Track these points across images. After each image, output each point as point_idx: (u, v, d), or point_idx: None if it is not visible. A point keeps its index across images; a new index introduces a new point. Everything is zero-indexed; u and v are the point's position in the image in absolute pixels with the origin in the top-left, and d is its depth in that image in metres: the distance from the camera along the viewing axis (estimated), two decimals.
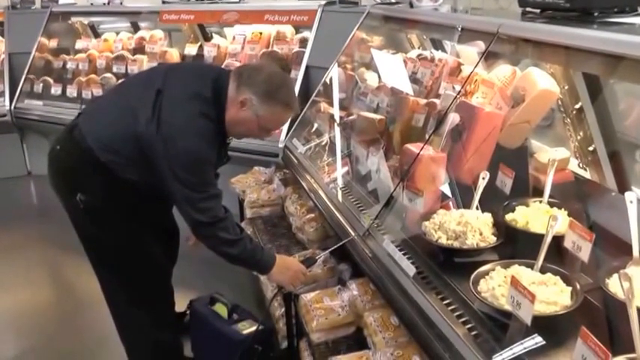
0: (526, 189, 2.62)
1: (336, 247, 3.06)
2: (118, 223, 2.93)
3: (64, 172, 2.93)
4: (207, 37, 6.33)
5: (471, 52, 3.34)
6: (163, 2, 6.12)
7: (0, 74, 6.85)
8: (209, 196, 2.77)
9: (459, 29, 3.13)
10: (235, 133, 2.88)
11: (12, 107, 6.64)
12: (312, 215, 3.69)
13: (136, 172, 2.81)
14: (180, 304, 3.48)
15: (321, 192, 3.53)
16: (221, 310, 3.28)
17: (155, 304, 3.14)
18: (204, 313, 3.33)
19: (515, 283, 1.87)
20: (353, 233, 2.93)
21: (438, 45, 3.98)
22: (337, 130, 3.91)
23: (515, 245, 2.32)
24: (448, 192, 2.68)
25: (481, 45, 2.90)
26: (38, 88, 6.63)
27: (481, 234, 2.38)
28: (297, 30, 5.52)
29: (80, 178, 2.87)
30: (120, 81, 5.33)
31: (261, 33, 5.57)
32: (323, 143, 4.06)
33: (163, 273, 3.20)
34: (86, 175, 2.86)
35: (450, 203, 2.63)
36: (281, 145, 4.50)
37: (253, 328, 3.12)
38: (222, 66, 5.44)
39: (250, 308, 3.43)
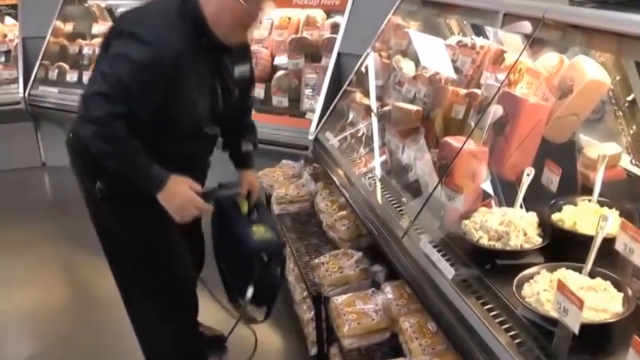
0: (574, 187, 2.61)
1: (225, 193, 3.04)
2: (137, 214, 2.95)
3: (84, 157, 2.93)
4: None
5: (515, 39, 3.32)
6: None
7: (13, 60, 6.96)
8: (106, 94, 2.62)
9: (502, 14, 3.12)
10: (221, 30, 2.76)
11: (26, 94, 6.74)
12: (344, 212, 3.71)
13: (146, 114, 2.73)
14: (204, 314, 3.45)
15: (354, 188, 3.54)
16: (243, 204, 3.23)
17: (177, 311, 3.15)
18: (223, 202, 3.24)
19: (561, 287, 1.86)
20: (388, 234, 2.94)
21: (479, 31, 3.96)
22: (373, 121, 3.91)
23: (562, 247, 2.31)
24: (490, 189, 2.68)
25: (526, 31, 2.89)
26: (53, 74, 6.72)
27: (525, 234, 2.38)
28: (328, 15, 5.52)
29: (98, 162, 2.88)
30: None
31: (289, 18, 5.58)
32: (356, 136, 4.07)
33: (186, 277, 3.18)
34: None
35: (492, 201, 2.63)
36: (311, 138, 4.51)
37: (268, 235, 3.07)
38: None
39: (278, 308, 3.42)
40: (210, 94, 2.89)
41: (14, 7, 7.13)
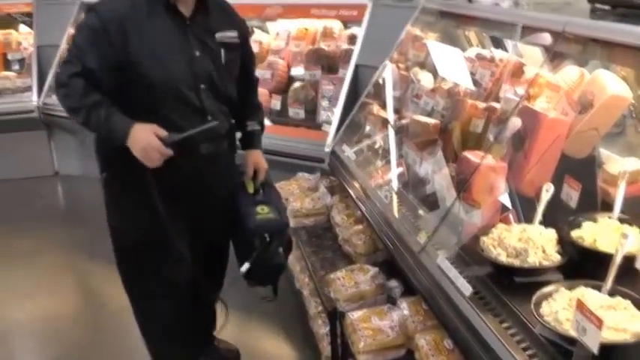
0: (594, 203, 2.59)
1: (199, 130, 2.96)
2: (129, 206, 3.04)
3: (97, 149, 3.09)
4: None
5: (534, 51, 3.32)
6: None
7: (28, 68, 7.02)
8: (66, 60, 2.91)
9: (521, 27, 3.11)
10: None
11: (40, 103, 6.78)
12: (360, 227, 3.70)
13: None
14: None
15: (370, 201, 3.54)
16: (249, 184, 3.25)
17: (162, 314, 3.21)
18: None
19: (580, 306, 1.85)
20: (405, 249, 2.93)
21: (498, 43, 3.95)
22: (390, 134, 3.90)
23: (581, 265, 2.30)
24: (508, 204, 2.67)
25: (545, 44, 2.88)
26: None
27: (544, 251, 2.36)
28: (346, 26, 5.53)
29: (100, 149, 3.06)
30: None
31: (306, 29, 5.60)
32: (373, 148, 4.07)
33: (174, 283, 3.17)
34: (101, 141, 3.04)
35: (511, 217, 2.62)
36: (327, 150, 4.52)
37: (271, 215, 3.10)
38: (265, 64, 5.49)
39: (292, 323, 3.41)
40: (183, 52, 2.93)
41: (29, 15, 7.19)
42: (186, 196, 3.05)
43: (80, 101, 2.85)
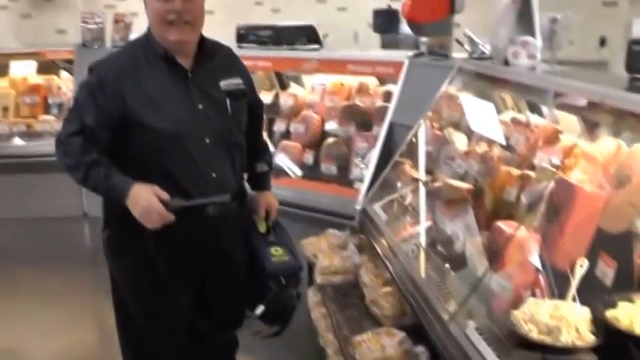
0: (631, 282, 2.52)
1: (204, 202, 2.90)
2: (129, 268, 3.02)
3: (103, 206, 3.09)
4: (284, 85, 6.44)
5: (570, 118, 3.28)
6: (239, 47, 6.25)
7: (65, 112, 7.11)
8: (66, 119, 2.95)
9: (556, 94, 3.08)
10: (157, 35, 2.88)
11: None
12: (389, 289, 3.65)
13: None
14: None
15: (399, 263, 3.50)
16: (261, 224, 3.19)
17: None
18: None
19: None
20: (433, 316, 2.88)
21: (534, 107, 3.92)
22: (421, 196, 3.87)
23: (616, 348, 2.23)
24: (541, 278, 2.61)
25: (582, 113, 2.85)
26: None
27: (577, 331, 2.30)
28: (382, 82, 5.54)
29: (105, 206, 3.05)
30: None
31: (342, 84, 5.63)
32: (404, 209, 4.04)
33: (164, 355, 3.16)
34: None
35: (544, 291, 2.56)
36: (358, 208, 4.49)
37: (286, 258, 3.04)
38: (300, 117, 5.51)
39: None
40: (185, 105, 2.88)
41: (70, 62, 7.34)
42: (191, 254, 2.97)
43: (78, 159, 2.82)
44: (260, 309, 2.99)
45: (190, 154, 2.86)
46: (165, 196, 2.76)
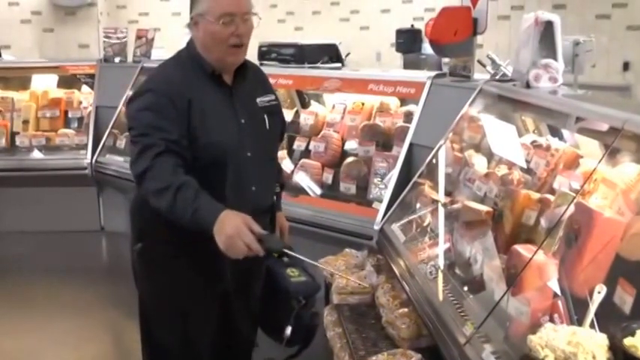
0: None
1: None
2: (162, 283, 3.02)
3: (132, 219, 3.13)
4: (305, 103, 6.47)
5: (591, 143, 3.29)
6: (261, 64, 6.28)
7: (85, 127, 7.28)
8: (139, 152, 2.79)
9: (578, 119, 3.10)
10: (210, 55, 2.93)
11: (93, 161, 7.02)
12: (406, 310, 3.66)
13: None
14: None
15: (417, 284, 3.51)
16: None
17: None
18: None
19: None
20: (449, 339, 2.89)
21: (555, 130, 3.93)
22: (440, 217, 3.89)
23: None
24: (560, 303, 2.61)
25: (603, 139, 2.86)
26: (121, 143, 6.96)
27: (594, 358, 2.29)
28: (403, 102, 5.57)
29: (135, 219, 3.08)
30: None
31: (363, 103, 5.64)
32: (423, 230, 4.05)
33: None
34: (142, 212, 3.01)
35: (562, 317, 2.56)
36: (377, 228, 4.51)
37: (303, 278, 2.99)
38: (320, 136, 5.55)
39: None
40: (232, 121, 2.95)
41: (91, 76, 7.46)
42: (218, 268, 3.00)
43: (168, 179, 2.72)
44: (289, 330, 3.00)
45: (234, 168, 2.93)
46: (256, 227, 2.71)
